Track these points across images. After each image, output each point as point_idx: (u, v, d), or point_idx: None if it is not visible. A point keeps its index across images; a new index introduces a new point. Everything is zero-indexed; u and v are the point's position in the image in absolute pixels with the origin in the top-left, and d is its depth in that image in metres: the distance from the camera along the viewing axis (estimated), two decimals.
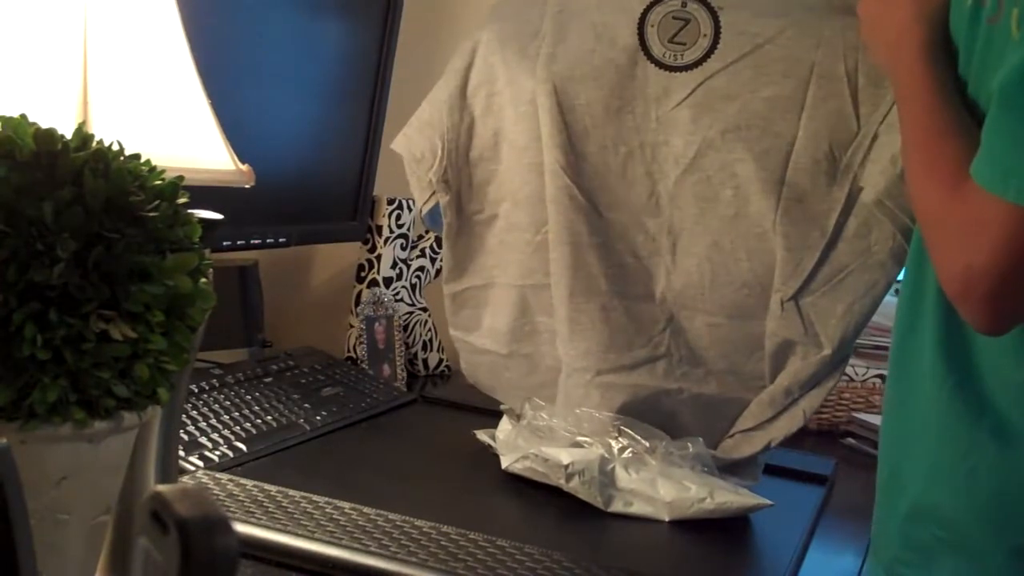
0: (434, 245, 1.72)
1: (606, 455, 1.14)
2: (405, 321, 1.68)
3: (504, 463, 1.17)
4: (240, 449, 1.14)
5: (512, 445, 1.20)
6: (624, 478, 1.12)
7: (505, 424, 1.27)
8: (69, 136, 0.60)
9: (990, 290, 0.78)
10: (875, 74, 1.09)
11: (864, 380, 1.70)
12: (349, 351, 1.60)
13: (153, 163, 0.63)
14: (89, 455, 0.61)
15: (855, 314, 1.14)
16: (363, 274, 1.65)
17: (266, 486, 1.01)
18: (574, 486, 1.12)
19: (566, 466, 1.12)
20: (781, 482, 1.26)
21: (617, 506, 1.11)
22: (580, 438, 1.17)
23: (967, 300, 0.80)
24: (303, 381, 1.41)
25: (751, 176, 1.12)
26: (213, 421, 1.18)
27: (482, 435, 1.28)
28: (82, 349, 0.58)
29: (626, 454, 1.15)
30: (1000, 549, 0.86)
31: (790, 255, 1.13)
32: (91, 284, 0.58)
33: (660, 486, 1.11)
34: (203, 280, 0.64)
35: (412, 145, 1.25)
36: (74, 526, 0.62)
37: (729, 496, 1.10)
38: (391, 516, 0.97)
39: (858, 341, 1.71)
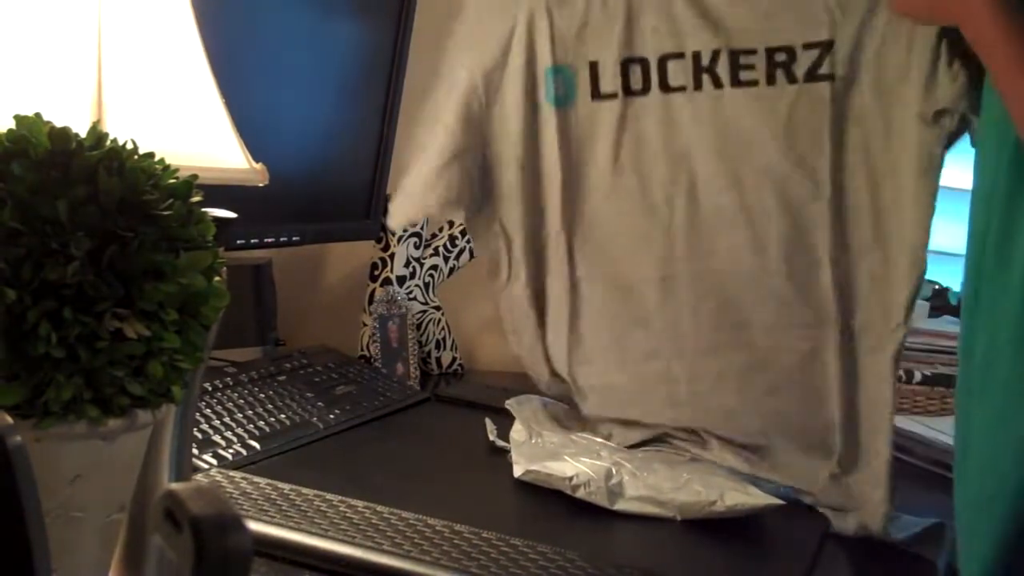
0: (447, 244, 1.72)
1: (612, 469, 1.13)
2: (418, 320, 1.68)
3: (516, 472, 1.17)
4: (254, 447, 1.14)
5: (521, 453, 1.20)
6: (632, 486, 1.12)
7: (518, 428, 1.27)
8: (83, 135, 0.61)
9: None
10: None
11: None
12: (362, 350, 1.60)
13: (167, 162, 0.63)
14: (103, 453, 0.61)
15: None
16: (376, 272, 1.65)
17: (279, 484, 1.01)
18: (581, 495, 1.12)
19: (570, 478, 1.12)
20: None
21: (624, 507, 1.11)
22: (582, 458, 1.17)
23: None
24: (316, 380, 1.41)
25: None
26: (227, 419, 1.18)
27: (491, 427, 1.29)
28: (96, 347, 0.58)
29: (631, 464, 1.14)
30: None
31: None
32: (105, 282, 0.58)
33: (669, 492, 1.11)
34: (217, 278, 0.64)
35: None
36: (88, 524, 0.62)
37: (740, 498, 1.10)
38: (404, 515, 0.97)
39: None
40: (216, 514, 0.44)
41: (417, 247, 1.68)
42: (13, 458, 0.49)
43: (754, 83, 1.15)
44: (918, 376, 1.70)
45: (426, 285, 1.71)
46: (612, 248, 1.27)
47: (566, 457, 1.16)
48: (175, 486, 0.45)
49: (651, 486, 1.12)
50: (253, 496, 0.98)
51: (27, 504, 0.50)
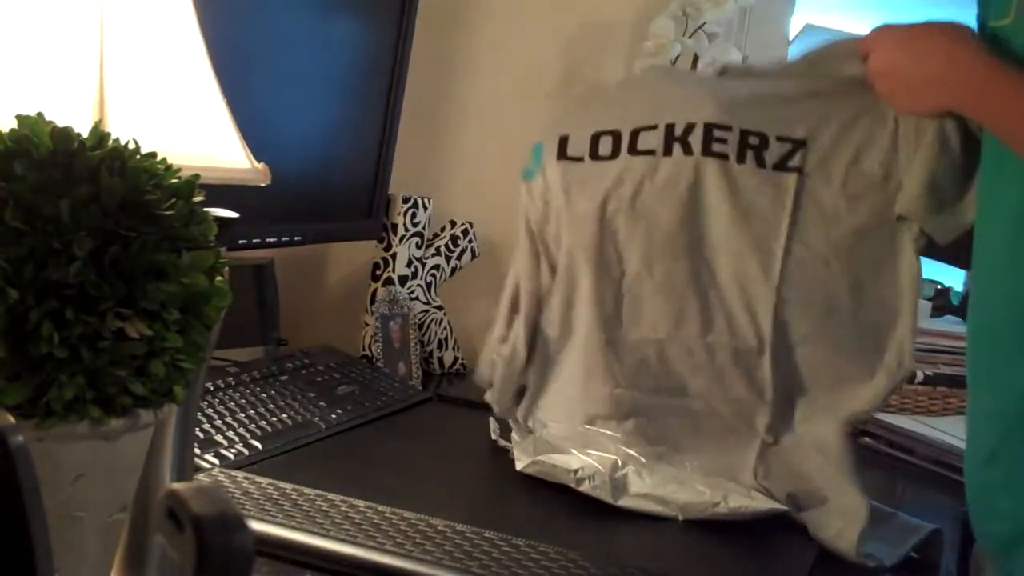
0: (449, 244, 1.72)
1: (618, 461, 1.14)
2: (420, 319, 1.68)
3: (518, 465, 1.17)
4: (256, 447, 1.14)
5: (524, 448, 1.20)
6: (636, 483, 1.12)
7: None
8: (85, 135, 0.61)
9: None
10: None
11: None
12: (364, 349, 1.60)
13: (169, 161, 0.63)
14: (105, 453, 0.61)
15: None
16: (378, 272, 1.65)
17: (281, 484, 1.01)
18: (585, 489, 1.12)
19: (575, 471, 1.12)
20: None
21: (627, 503, 1.11)
22: (589, 451, 1.17)
23: None
24: (318, 379, 1.41)
25: None
26: (229, 419, 1.18)
27: (494, 426, 1.29)
28: (99, 347, 0.58)
29: (636, 462, 1.15)
30: None
31: None
32: (108, 282, 0.58)
33: (673, 490, 1.11)
34: (219, 278, 0.64)
35: None
36: (90, 523, 0.62)
37: (743, 500, 1.10)
38: (406, 514, 0.97)
39: None
40: (218, 514, 0.44)
41: (419, 247, 1.68)
42: (15, 458, 0.49)
43: (724, 156, 1.15)
44: (920, 376, 1.70)
45: (428, 285, 1.71)
46: (568, 305, 1.25)
47: (572, 450, 1.16)
48: (177, 486, 0.45)
49: (655, 483, 1.12)
50: (255, 496, 0.98)
51: (29, 504, 0.50)
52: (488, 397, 1.29)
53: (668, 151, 1.17)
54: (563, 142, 1.24)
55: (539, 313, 1.26)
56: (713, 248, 1.16)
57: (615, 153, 1.20)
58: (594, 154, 1.22)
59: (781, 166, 1.13)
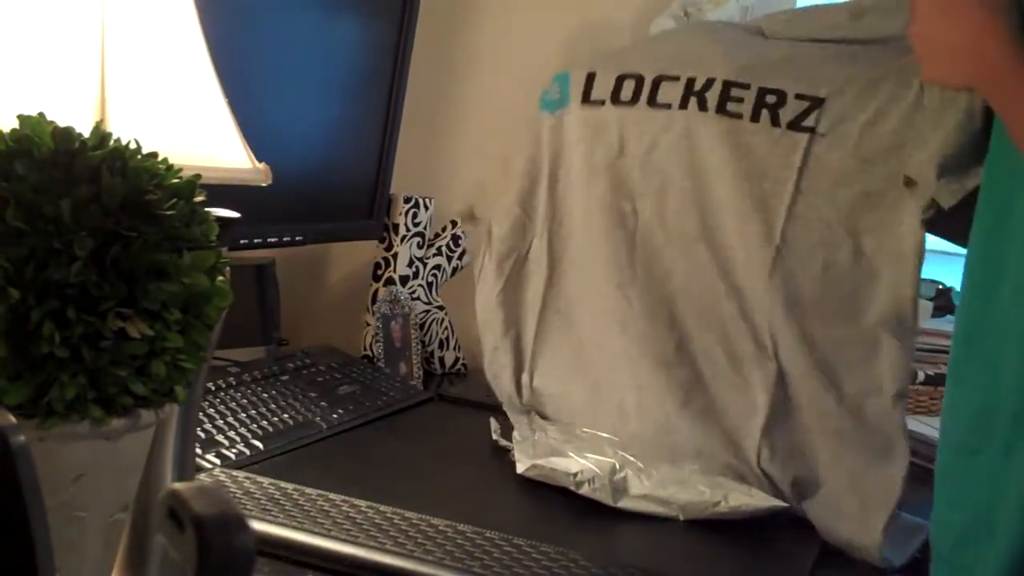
0: (450, 243, 1.72)
1: (616, 465, 1.14)
2: (421, 319, 1.68)
3: (518, 468, 1.17)
4: (257, 447, 1.14)
5: (524, 450, 1.20)
6: (636, 484, 1.12)
7: (520, 427, 1.28)
8: (87, 135, 0.61)
9: None
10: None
11: None
12: (366, 349, 1.60)
13: (170, 161, 0.63)
14: (106, 453, 0.61)
15: None
16: (380, 272, 1.65)
17: (283, 484, 1.01)
18: (585, 492, 1.12)
19: (574, 474, 1.12)
20: None
21: (627, 504, 1.11)
22: (587, 454, 1.17)
23: None
24: (320, 379, 1.41)
25: None
26: (230, 419, 1.18)
27: (495, 427, 1.29)
28: (100, 347, 0.58)
29: (633, 466, 1.15)
30: None
31: None
32: (109, 282, 0.58)
33: (673, 491, 1.11)
34: (220, 278, 0.64)
35: None
36: (91, 523, 0.62)
37: (743, 499, 1.10)
38: (407, 514, 0.97)
39: None
40: (219, 514, 0.44)
41: (420, 247, 1.68)
42: (16, 458, 0.49)
43: (738, 116, 1.15)
44: (921, 376, 1.70)
45: (429, 285, 1.71)
46: (581, 252, 1.27)
47: (570, 453, 1.16)
48: (178, 486, 0.45)
49: (655, 484, 1.12)
50: (256, 496, 0.98)
51: (31, 504, 0.50)
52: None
53: (684, 104, 1.18)
54: (590, 79, 1.26)
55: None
56: (720, 206, 1.16)
57: (635, 99, 1.21)
58: (616, 98, 1.23)
59: (795, 125, 1.13)
